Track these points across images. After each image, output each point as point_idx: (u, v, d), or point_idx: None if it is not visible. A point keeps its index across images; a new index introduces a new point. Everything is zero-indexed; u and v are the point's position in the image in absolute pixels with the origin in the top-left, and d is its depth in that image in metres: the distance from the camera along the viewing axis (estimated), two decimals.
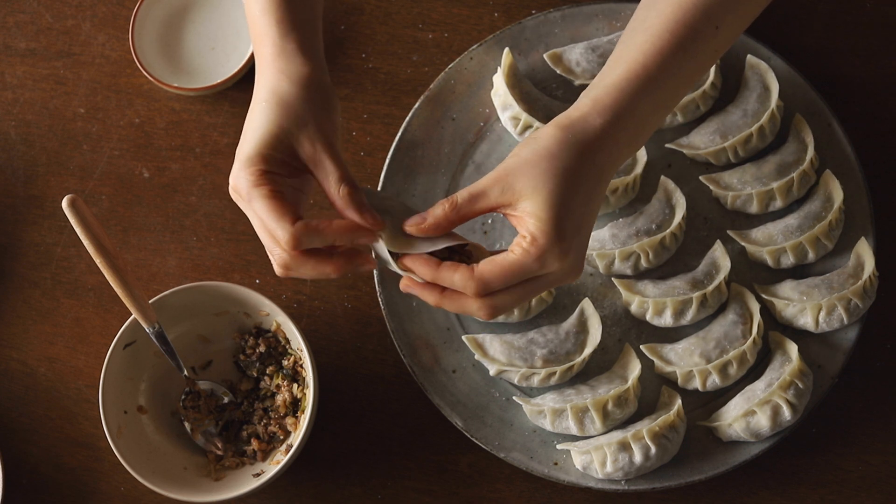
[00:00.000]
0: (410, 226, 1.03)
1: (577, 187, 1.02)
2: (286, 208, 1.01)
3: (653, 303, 1.27)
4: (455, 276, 1.01)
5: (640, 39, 1.06)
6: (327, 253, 1.03)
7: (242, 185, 1.01)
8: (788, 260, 1.29)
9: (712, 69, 1.32)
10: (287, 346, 1.30)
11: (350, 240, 1.02)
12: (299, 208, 1.06)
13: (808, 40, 1.38)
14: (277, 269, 1.03)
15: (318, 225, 1.00)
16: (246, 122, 1.04)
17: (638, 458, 1.22)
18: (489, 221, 1.32)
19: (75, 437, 1.32)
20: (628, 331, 1.31)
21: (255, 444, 1.28)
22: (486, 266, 1.01)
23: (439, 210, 1.02)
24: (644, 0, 1.09)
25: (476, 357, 1.27)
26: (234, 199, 1.04)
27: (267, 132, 1.02)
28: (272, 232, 1.01)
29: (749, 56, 1.33)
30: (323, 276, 1.03)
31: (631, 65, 1.05)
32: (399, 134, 1.33)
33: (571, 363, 1.26)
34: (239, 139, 1.36)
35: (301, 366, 1.29)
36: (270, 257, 1.03)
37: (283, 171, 1.03)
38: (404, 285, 1.04)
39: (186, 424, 1.29)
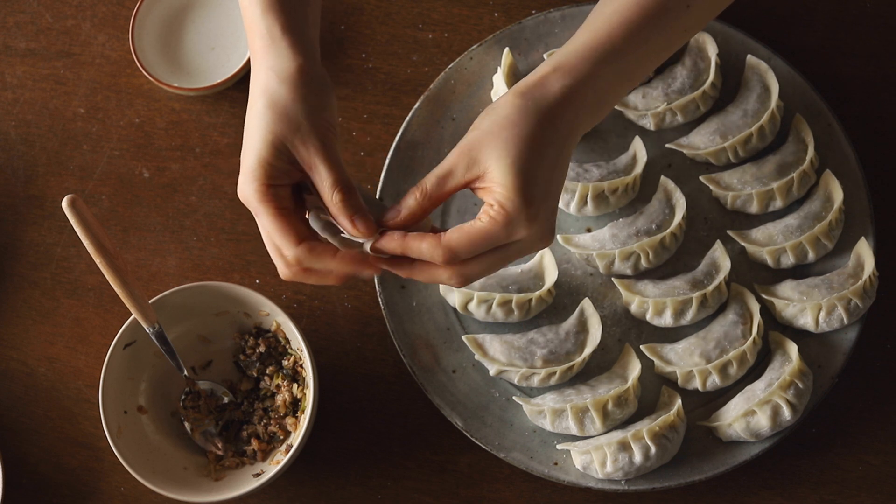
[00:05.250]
0: (387, 221, 1.03)
1: (540, 153, 1.02)
2: (291, 227, 1.01)
3: (653, 303, 1.27)
4: (423, 245, 1.01)
5: (608, 10, 1.06)
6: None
7: (250, 197, 1.02)
8: (788, 260, 1.29)
9: (712, 69, 1.32)
10: (287, 346, 1.30)
11: (351, 271, 1.02)
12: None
13: (808, 40, 1.38)
14: (282, 275, 1.05)
15: (323, 252, 1.01)
16: (245, 125, 1.04)
17: (638, 458, 1.22)
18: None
19: (75, 437, 1.32)
20: (628, 331, 1.31)
21: (255, 444, 1.28)
22: (454, 234, 1.01)
23: (412, 201, 1.02)
24: None
25: (476, 357, 1.27)
26: (241, 200, 1.04)
27: (264, 140, 1.01)
28: (278, 248, 1.02)
29: (749, 56, 1.33)
30: (325, 284, 1.04)
31: (596, 33, 1.05)
32: (399, 134, 1.33)
33: (571, 363, 1.26)
34: (239, 139, 1.37)
35: (301, 366, 1.29)
36: (276, 263, 1.05)
37: (287, 178, 1.02)
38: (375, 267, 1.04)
39: (186, 424, 1.29)
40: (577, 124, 1.04)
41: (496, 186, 1.01)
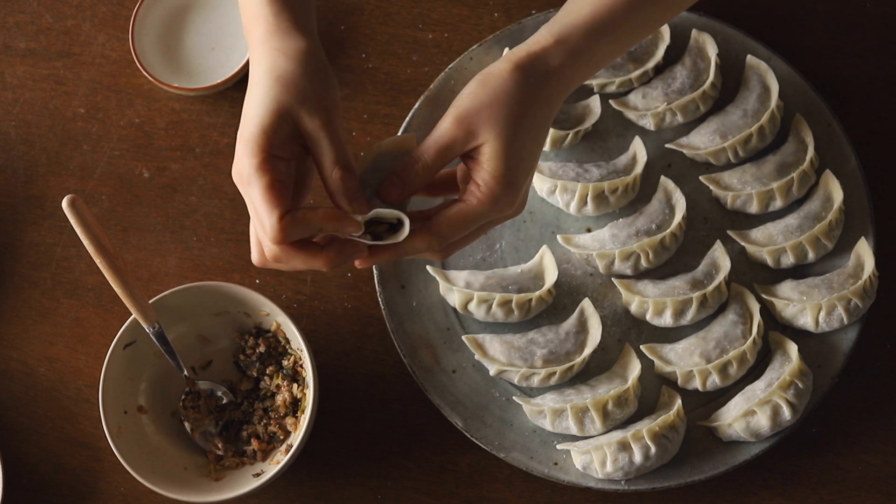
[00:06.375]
0: (390, 195, 1.02)
1: (534, 134, 1.03)
2: (280, 199, 0.97)
3: (653, 303, 1.27)
4: (416, 243, 1.02)
5: None
6: (319, 245, 1.01)
7: (245, 166, 0.98)
8: (788, 260, 1.29)
9: (712, 69, 1.32)
10: (287, 346, 1.30)
11: (336, 228, 1.00)
12: (301, 200, 1.05)
13: (808, 40, 1.38)
14: (256, 259, 1.02)
15: (304, 215, 0.98)
16: (244, 104, 1.01)
17: (638, 458, 1.22)
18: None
19: (75, 437, 1.32)
20: (628, 331, 1.31)
21: (255, 444, 1.28)
22: (443, 221, 1.02)
23: (413, 176, 1.02)
24: None
25: (476, 357, 1.27)
26: (236, 183, 1.01)
27: (268, 110, 0.99)
28: (262, 221, 0.98)
29: (749, 56, 1.33)
30: (314, 268, 1.02)
31: (598, 7, 1.05)
32: (399, 134, 1.33)
33: (571, 363, 1.26)
34: None
35: (301, 366, 1.29)
36: (252, 246, 1.02)
37: (286, 152, 1.00)
38: (360, 264, 1.04)
39: (186, 424, 1.29)
40: (564, 94, 1.06)
41: (487, 165, 1.02)
